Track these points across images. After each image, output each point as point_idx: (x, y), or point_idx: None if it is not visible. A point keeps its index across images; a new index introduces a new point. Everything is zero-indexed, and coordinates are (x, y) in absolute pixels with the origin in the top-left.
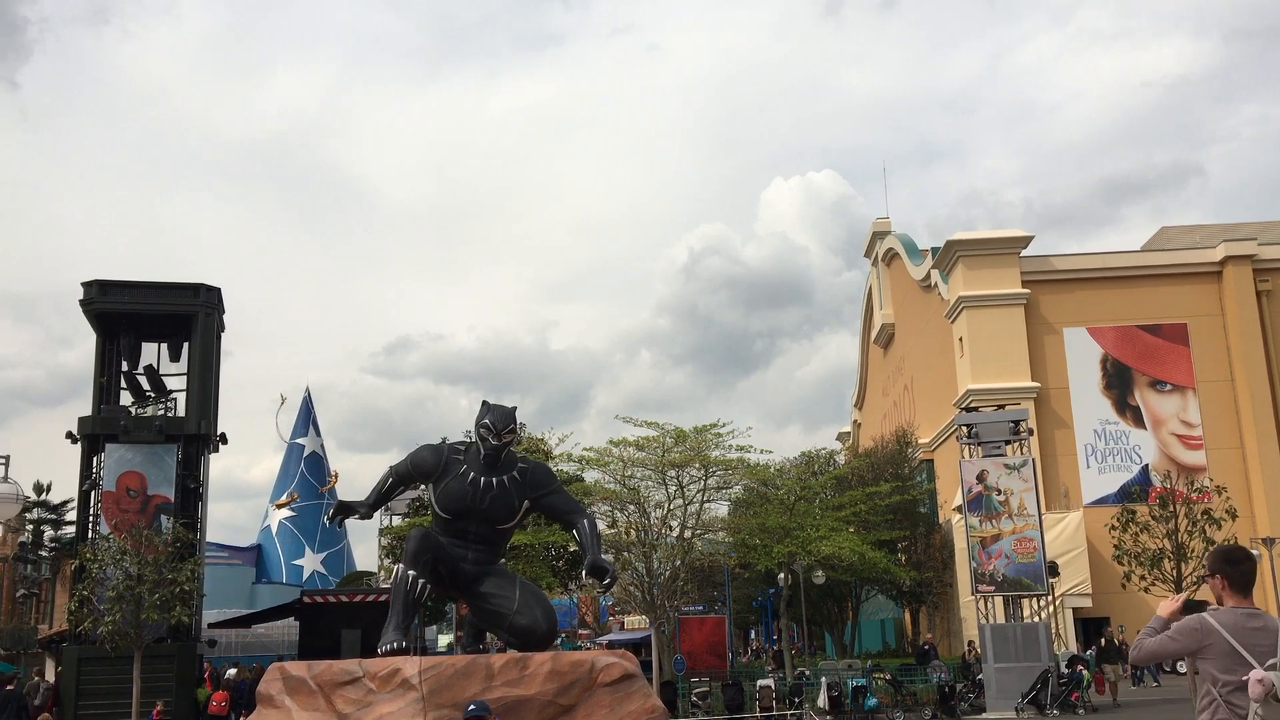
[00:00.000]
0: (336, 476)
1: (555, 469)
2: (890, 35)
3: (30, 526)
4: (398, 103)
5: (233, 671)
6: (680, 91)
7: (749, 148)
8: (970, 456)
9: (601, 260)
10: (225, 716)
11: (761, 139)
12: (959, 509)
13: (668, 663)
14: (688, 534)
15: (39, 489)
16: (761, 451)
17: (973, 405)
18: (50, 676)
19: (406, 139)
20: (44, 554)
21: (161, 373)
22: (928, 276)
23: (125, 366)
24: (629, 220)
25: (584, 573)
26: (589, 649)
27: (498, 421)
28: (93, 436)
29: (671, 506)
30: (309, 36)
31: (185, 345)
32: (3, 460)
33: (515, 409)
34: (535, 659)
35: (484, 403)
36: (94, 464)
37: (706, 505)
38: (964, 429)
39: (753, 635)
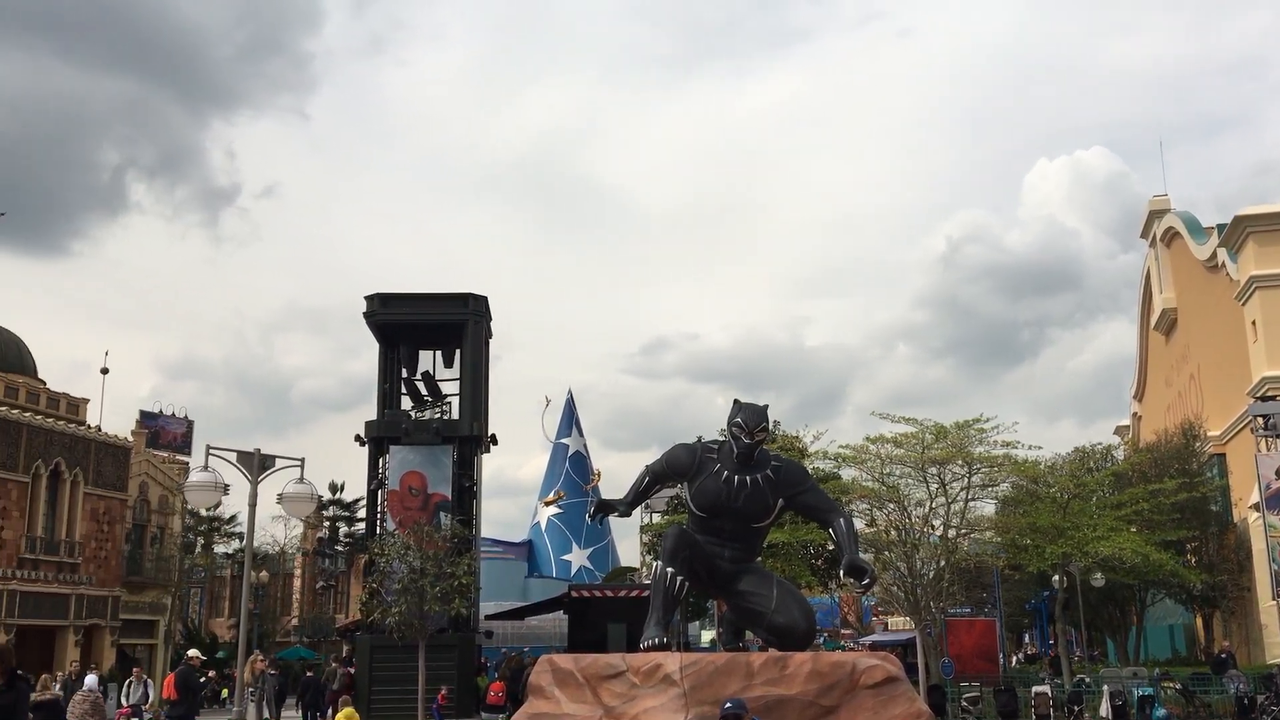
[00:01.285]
0: (599, 475)
1: (811, 467)
2: None
3: (327, 524)
4: (649, 109)
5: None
6: (933, 76)
7: (1009, 130)
8: (1268, 449)
9: (855, 253)
10: (502, 706)
11: (1022, 119)
12: (1256, 507)
13: (935, 666)
14: (951, 533)
15: (333, 488)
16: (1030, 447)
17: (1269, 394)
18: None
19: (658, 144)
20: (339, 549)
21: (437, 378)
22: (1214, 256)
23: (405, 373)
24: (883, 211)
25: (842, 572)
26: (852, 649)
27: (749, 420)
28: (378, 439)
29: (933, 505)
30: (565, 52)
31: (457, 352)
32: (299, 462)
33: (767, 407)
34: (795, 658)
35: (736, 401)
36: (380, 465)
37: (971, 503)
38: (1259, 420)
39: (1025, 639)
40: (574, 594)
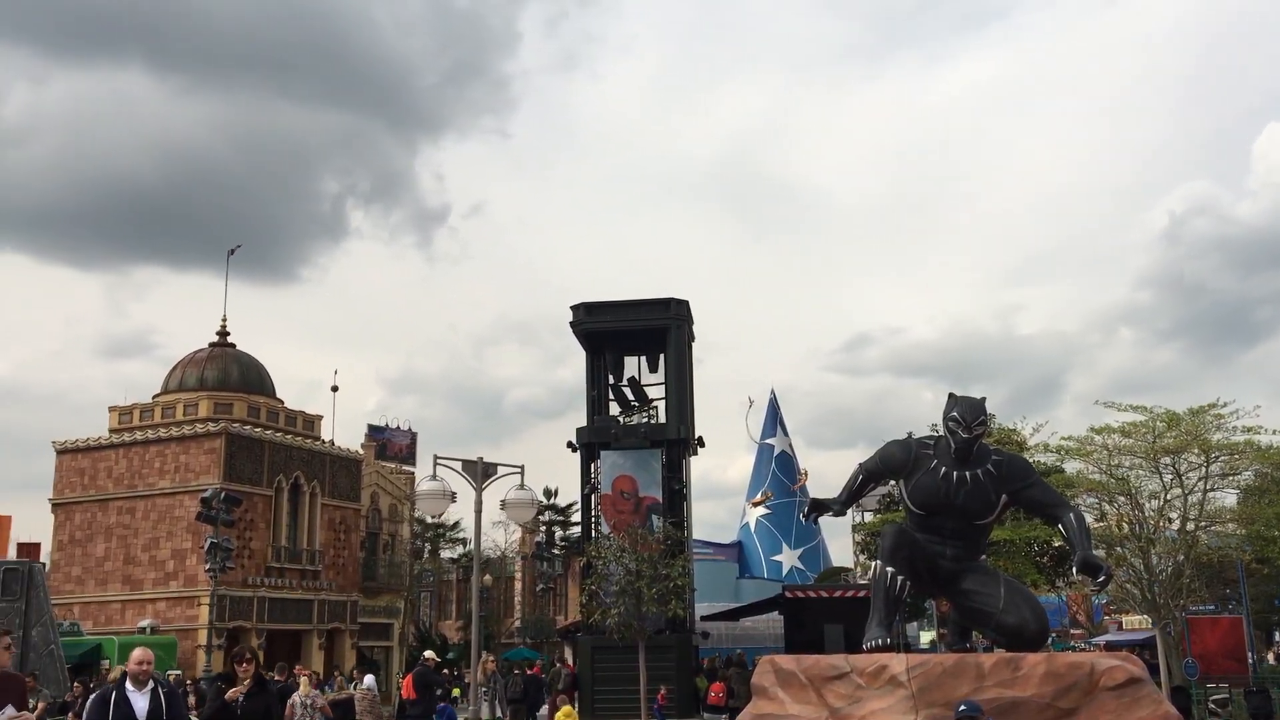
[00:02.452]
0: (806, 474)
1: (1031, 460)
2: None
3: (543, 528)
4: (841, 102)
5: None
6: (1143, 40)
7: (1232, 95)
8: None
9: (1067, 235)
10: (722, 706)
11: (1248, 83)
12: None
13: (1176, 666)
14: (1190, 526)
15: (548, 494)
16: (1274, 432)
17: None
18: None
19: (852, 137)
20: (556, 552)
21: (642, 383)
22: None
23: (611, 379)
24: (1095, 189)
25: (1074, 570)
26: (1084, 650)
27: (967, 414)
28: (589, 445)
29: (1168, 497)
30: (754, 51)
31: (661, 356)
32: (519, 469)
33: (984, 400)
34: (1028, 659)
35: (951, 395)
36: (591, 470)
37: (1210, 494)
38: None
39: (1277, 638)
40: (788, 595)
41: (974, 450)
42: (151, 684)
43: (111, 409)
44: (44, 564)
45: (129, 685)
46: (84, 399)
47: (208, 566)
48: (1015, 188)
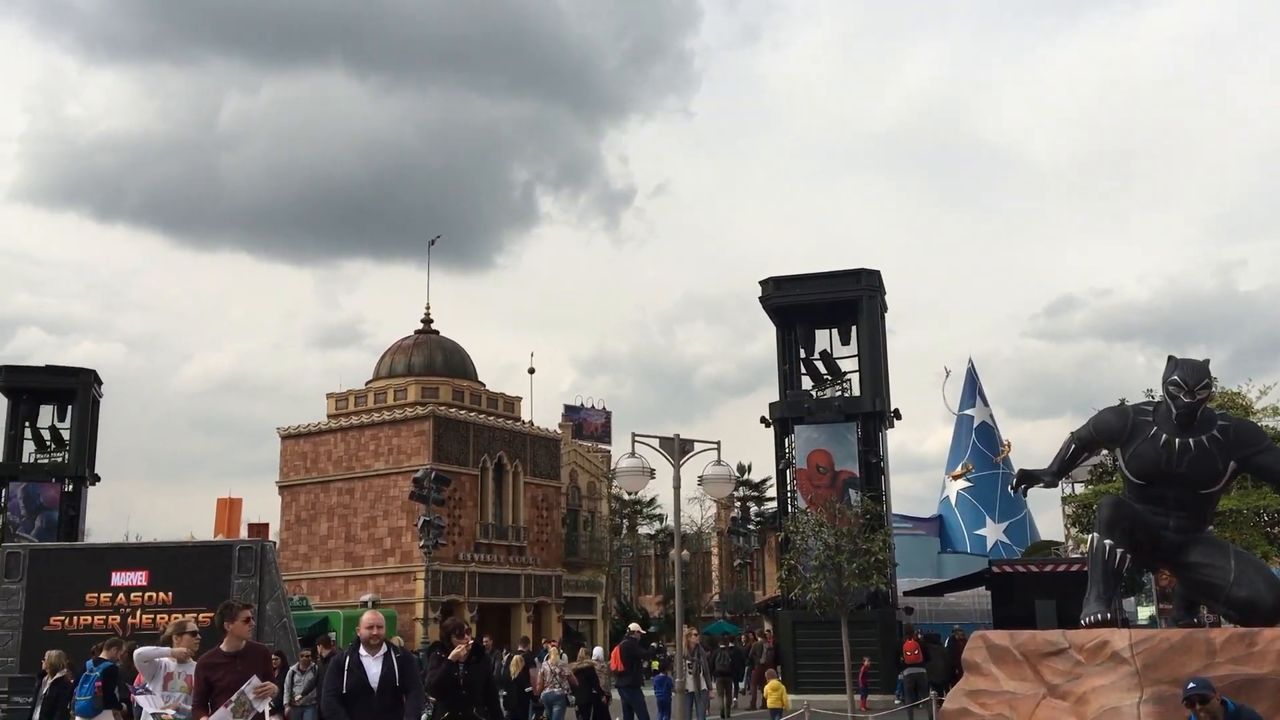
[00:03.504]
0: (1009, 445)
1: (1260, 425)
2: None
3: (738, 503)
4: (1035, 57)
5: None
6: None
7: None
8: None
9: None
10: (921, 663)
11: None
12: None
13: None
14: None
15: (741, 469)
16: None
17: None
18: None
19: (1046, 94)
20: (751, 527)
21: (835, 356)
22: None
23: (803, 353)
24: None
25: None
26: None
27: (1189, 377)
28: (782, 420)
29: None
30: (940, 10)
31: (854, 328)
32: (716, 445)
33: (1207, 362)
34: (1264, 635)
35: (1171, 358)
36: (785, 445)
37: None
38: None
39: None
40: (996, 569)
41: (1197, 416)
42: (385, 649)
43: (328, 396)
44: (274, 542)
45: (362, 651)
46: (302, 387)
47: (421, 543)
48: (1230, 137)
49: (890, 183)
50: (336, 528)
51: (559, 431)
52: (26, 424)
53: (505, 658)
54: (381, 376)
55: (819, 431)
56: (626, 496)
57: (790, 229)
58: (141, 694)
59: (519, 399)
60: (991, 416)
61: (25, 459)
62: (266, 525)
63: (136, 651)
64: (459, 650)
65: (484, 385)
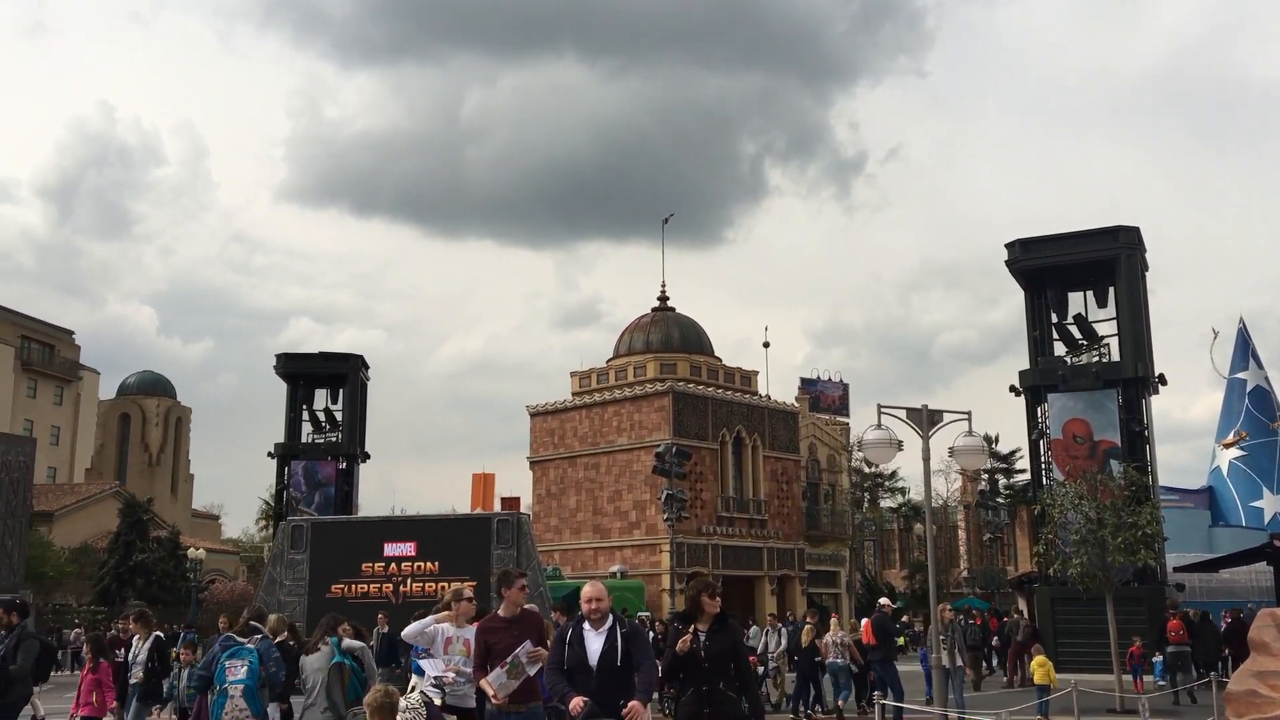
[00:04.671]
0: None
1: None
2: None
3: (985, 476)
4: None
5: None
6: None
7: None
8: None
9: None
10: (1185, 643)
11: None
12: None
13: None
14: None
15: (987, 440)
16: None
17: None
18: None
19: None
20: (1000, 501)
21: (1090, 320)
22: None
23: (1054, 318)
24: None
25: None
26: None
27: None
28: (1034, 388)
29: None
30: None
31: (1110, 290)
32: (966, 415)
33: None
34: None
35: None
36: (1038, 414)
37: None
38: None
39: None
40: (1277, 544)
41: None
42: (610, 622)
43: (572, 374)
44: (529, 515)
45: (585, 625)
46: (546, 366)
47: (665, 516)
48: None
49: (1146, 131)
50: (584, 501)
51: (796, 405)
52: (304, 407)
53: (773, 628)
54: (621, 354)
55: (1075, 399)
56: (867, 469)
57: (1035, 188)
58: (424, 657)
59: (755, 373)
60: (1267, 379)
61: (304, 439)
62: (518, 499)
63: (406, 630)
64: (683, 642)
65: (720, 360)
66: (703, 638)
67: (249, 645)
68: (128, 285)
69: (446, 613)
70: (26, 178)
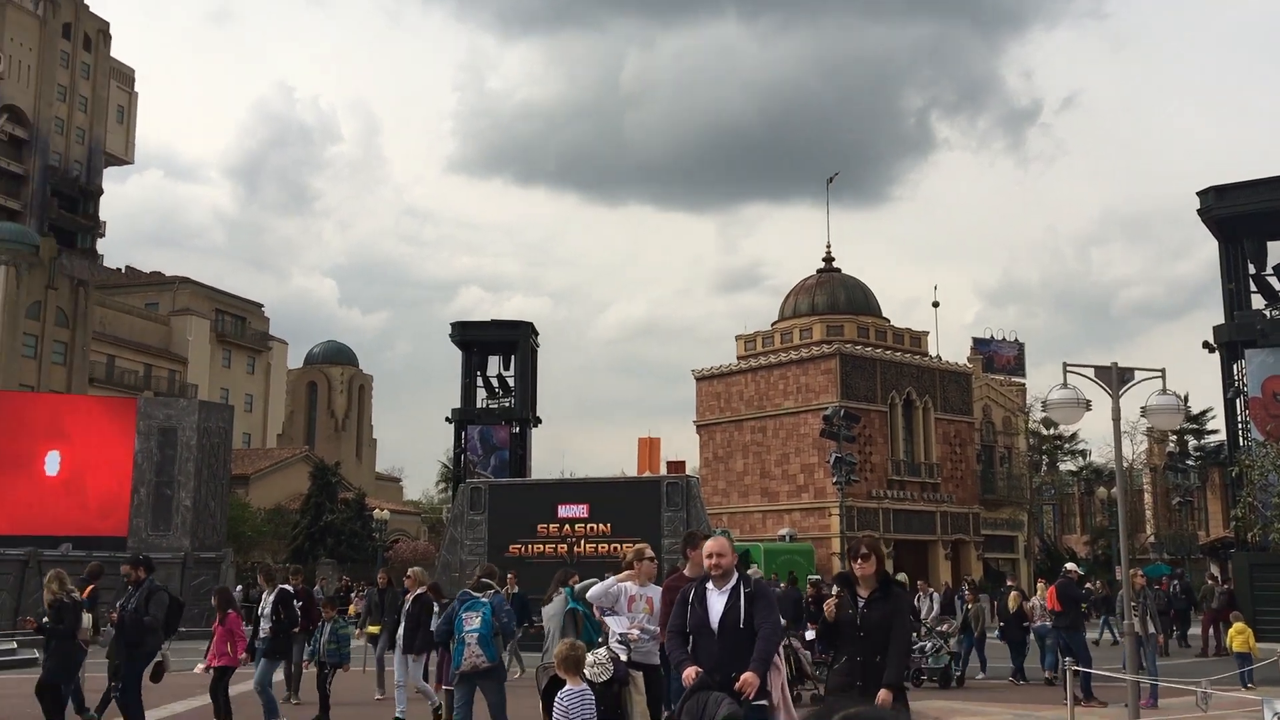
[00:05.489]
0: None
1: None
2: None
3: (1173, 437)
4: None
5: None
6: None
7: None
8: None
9: None
10: None
11: None
12: None
13: None
14: None
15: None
16: None
17: None
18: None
19: None
20: (1190, 463)
21: None
22: None
23: (1252, 269)
24: None
25: None
26: None
27: None
28: (1230, 344)
29: None
30: None
31: None
32: (1160, 373)
33: None
34: None
35: None
36: (1235, 371)
37: None
38: None
39: None
40: None
41: None
42: (733, 580)
43: (737, 338)
44: (697, 478)
45: (709, 584)
46: (709, 330)
47: (834, 479)
48: None
49: None
50: (751, 464)
51: (969, 365)
52: (478, 373)
53: (924, 594)
54: (786, 317)
55: (1275, 355)
56: (1045, 432)
57: (1230, 131)
58: (609, 615)
59: (925, 334)
60: None
61: (478, 404)
62: (684, 462)
63: (591, 590)
64: (829, 604)
65: (888, 321)
66: (861, 603)
67: (483, 599)
68: (310, 259)
69: (629, 572)
70: (215, 159)
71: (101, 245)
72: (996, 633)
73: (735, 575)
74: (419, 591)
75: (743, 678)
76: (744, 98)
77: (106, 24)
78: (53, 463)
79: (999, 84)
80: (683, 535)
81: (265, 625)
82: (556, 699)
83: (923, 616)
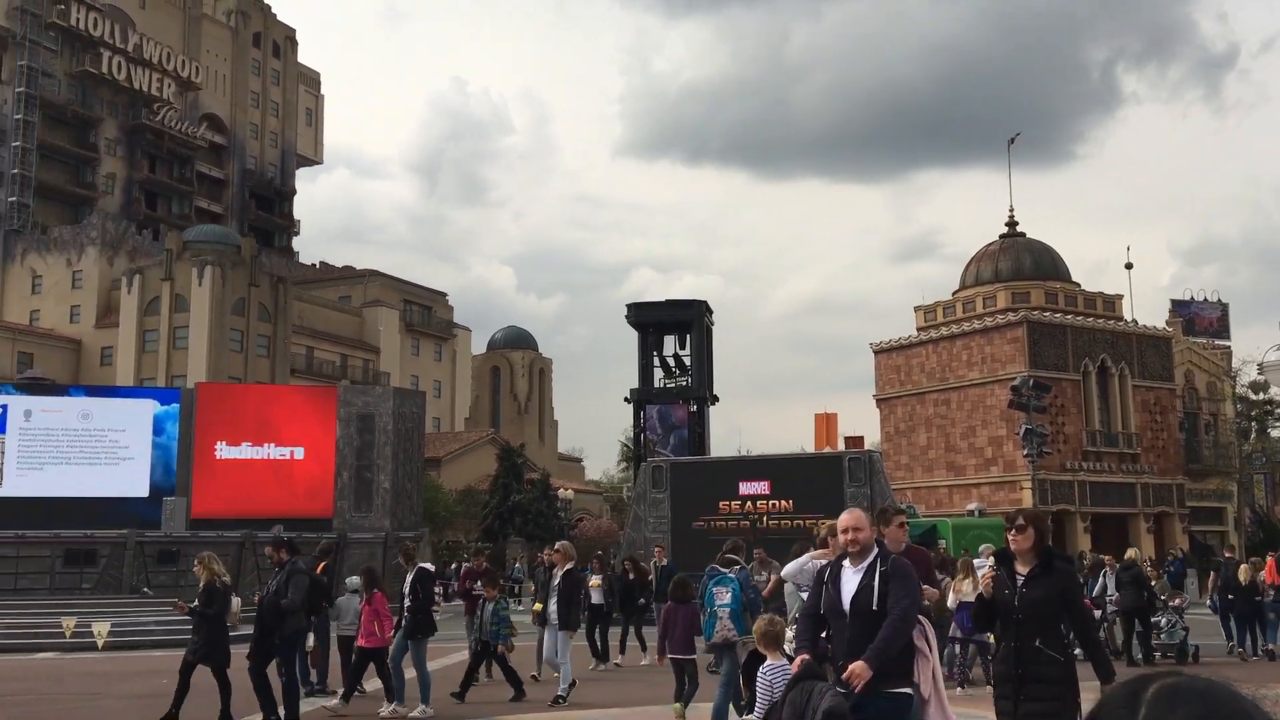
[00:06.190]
0: None
1: None
2: None
3: None
4: None
5: None
6: None
7: None
8: None
9: None
10: None
11: None
12: None
13: None
14: None
15: None
16: None
17: None
18: None
19: None
20: None
21: None
22: None
23: None
24: None
25: None
26: None
27: None
28: None
29: None
30: None
31: None
32: None
33: None
34: None
35: None
36: None
37: None
38: None
39: None
40: None
41: None
42: (871, 557)
43: (916, 309)
44: (880, 453)
45: (845, 562)
46: (884, 302)
47: (1025, 452)
48: None
49: None
50: (935, 438)
51: (1167, 329)
52: (654, 353)
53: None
54: (968, 285)
55: None
56: (1254, 396)
57: None
58: (805, 591)
59: (1119, 297)
60: None
61: (655, 384)
62: (862, 438)
63: (785, 568)
64: (986, 578)
65: (1078, 286)
66: (1019, 582)
67: (730, 575)
68: (488, 248)
69: (824, 550)
70: (397, 155)
71: (296, 243)
72: (1211, 605)
73: (874, 551)
74: (569, 567)
75: (850, 668)
76: (913, 62)
77: (293, 30)
78: (262, 449)
79: (1191, 29)
80: (875, 511)
81: (406, 603)
82: (759, 673)
83: (1097, 594)
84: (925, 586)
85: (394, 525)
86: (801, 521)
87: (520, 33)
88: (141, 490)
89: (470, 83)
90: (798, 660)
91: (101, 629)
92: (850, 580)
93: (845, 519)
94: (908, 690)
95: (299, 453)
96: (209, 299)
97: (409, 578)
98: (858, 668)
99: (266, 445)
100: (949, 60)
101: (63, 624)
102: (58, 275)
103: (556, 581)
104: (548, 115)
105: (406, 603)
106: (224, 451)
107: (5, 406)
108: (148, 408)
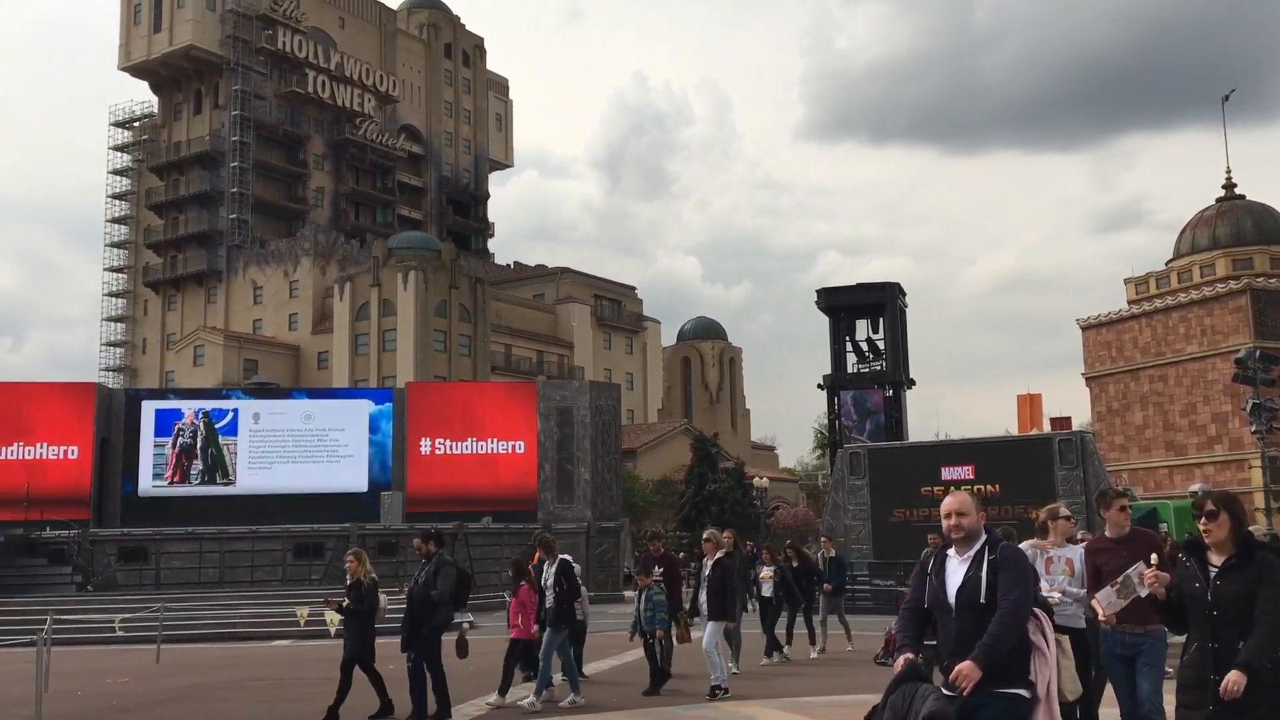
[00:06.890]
0: None
1: None
2: None
3: None
4: None
5: None
6: None
7: None
8: None
9: None
10: None
11: None
12: None
13: None
14: None
15: None
16: None
17: None
18: None
19: None
20: None
21: None
22: None
23: None
24: None
25: None
26: None
27: None
28: None
29: None
30: None
31: None
32: None
33: None
34: None
35: None
36: None
37: None
38: None
39: None
40: None
41: None
42: (978, 545)
43: (1126, 281)
44: (1092, 433)
45: (951, 551)
46: (1086, 276)
47: (1253, 428)
48: None
49: None
50: (1152, 416)
51: None
52: (846, 338)
53: None
54: (1182, 254)
55: None
56: None
57: None
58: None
59: None
60: None
61: (849, 369)
62: (1069, 418)
63: None
64: (1152, 574)
65: None
66: (1213, 575)
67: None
68: (673, 240)
69: (1045, 540)
70: (581, 153)
71: (490, 244)
72: None
73: (982, 538)
74: (719, 556)
75: (957, 668)
76: (1109, 22)
77: (481, 39)
78: (469, 443)
79: None
80: (1095, 494)
81: (549, 596)
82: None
83: None
84: (1154, 569)
85: (595, 515)
86: (1009, 508)
87: (698, 22)
88: (361, 485)
89: (650, 77)
90: (900, 660)
91: (333, 617)
92: (956, 571)
93: (949, 502)
94: (1023, 691)
95: (503, 446)
96: (414, 302)
97: (552, 569)
98: (965, 667)
99: (470, 440)
100: (1150, 16)
101: (297, 613)
102: (276, 285)
103: (707, 571)
104: (727, 103)
105: (549, 595)
106: (435, 447)
107: (236, 410)
108: (363, 408)
